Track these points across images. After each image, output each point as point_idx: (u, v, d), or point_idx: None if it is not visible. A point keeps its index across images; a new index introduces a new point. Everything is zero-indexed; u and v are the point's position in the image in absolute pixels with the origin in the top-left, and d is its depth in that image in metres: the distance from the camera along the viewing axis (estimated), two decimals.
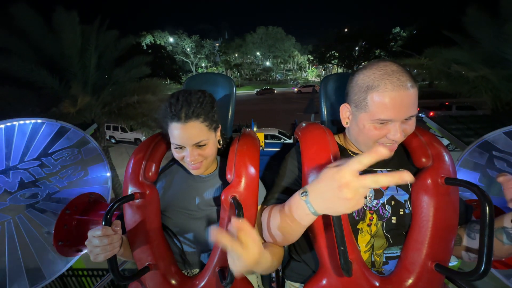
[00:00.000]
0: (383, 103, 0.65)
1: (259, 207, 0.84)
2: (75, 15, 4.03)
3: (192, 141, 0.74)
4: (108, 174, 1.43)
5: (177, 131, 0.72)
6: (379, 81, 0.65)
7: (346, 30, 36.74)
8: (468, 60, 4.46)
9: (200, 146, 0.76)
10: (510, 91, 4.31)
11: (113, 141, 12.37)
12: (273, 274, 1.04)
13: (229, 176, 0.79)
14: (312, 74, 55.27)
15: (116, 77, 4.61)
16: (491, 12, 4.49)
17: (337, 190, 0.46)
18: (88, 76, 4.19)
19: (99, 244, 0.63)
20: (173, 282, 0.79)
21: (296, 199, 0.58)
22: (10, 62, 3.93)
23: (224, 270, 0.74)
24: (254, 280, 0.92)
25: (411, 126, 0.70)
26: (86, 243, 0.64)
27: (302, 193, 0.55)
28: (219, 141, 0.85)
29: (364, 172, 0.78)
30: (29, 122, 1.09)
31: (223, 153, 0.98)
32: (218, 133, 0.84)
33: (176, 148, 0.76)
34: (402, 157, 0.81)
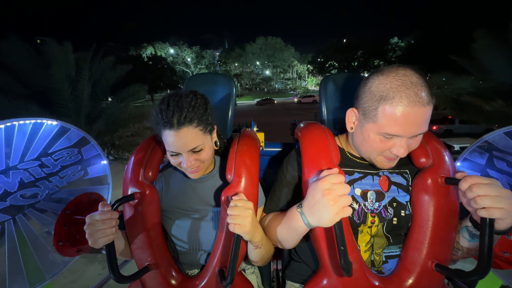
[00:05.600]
0: (395, 118, 0.60)
1: (258, 208, 0.84)
2: (68, 45, 3.61)
3: (187, 147, 0.72)
4: (108, 171, 1.43)
5: (171, 139, 0.70)
6: (395, 92, 0.59)
7: (344, 41, 37.14)
8: (479, 90, 3.92)
9: (196, 151, 0.74)
10: None
11: (111, 158, 11.75)
12: (273, 274, 1.04)
13: (229, 176, 0.79)
14: (312, 83, 55.14)
15: (110, 109, 4.12)
16: (502, 38, 3.85)
17: (322, 198, 0.54)
18: (81, 107, 3.78)
19: (101, 227, 0.62)
20: (173, 282, 0.79)
21: (293, 211, 0.65)
22: None
23: (224, 270, 0.74)
24: (254, 280, 0.92)
25: (416, 142, 0.67)
26: (85, 227, 0.63)
27: (298, 206, 0.63)
28: (215, 143, 0.83)
29: (365, 173, 0.78)
30: (29, 122, 1.08)
31: (222, 153, 0.98)
32: (214, 134, 0.83)
33: (172, 155, 0.75)
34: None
